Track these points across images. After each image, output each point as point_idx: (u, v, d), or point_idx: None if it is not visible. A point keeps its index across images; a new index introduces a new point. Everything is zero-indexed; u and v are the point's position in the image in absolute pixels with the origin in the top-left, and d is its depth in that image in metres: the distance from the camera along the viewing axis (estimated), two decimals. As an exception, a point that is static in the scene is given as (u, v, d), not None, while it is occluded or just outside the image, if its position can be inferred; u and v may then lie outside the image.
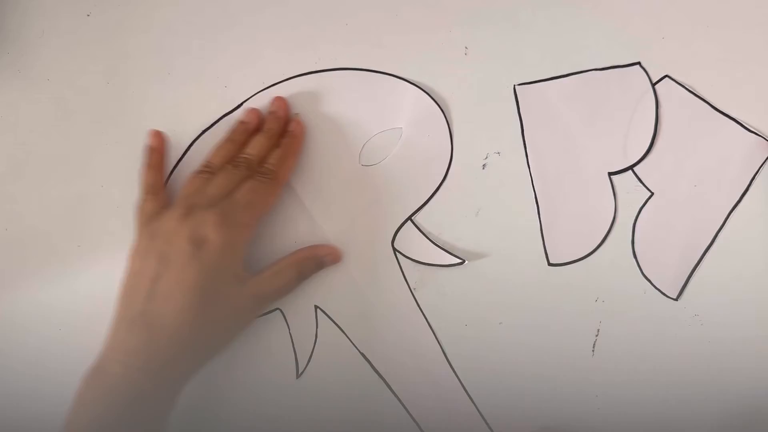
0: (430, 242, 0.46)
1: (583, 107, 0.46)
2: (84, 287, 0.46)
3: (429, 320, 0.46)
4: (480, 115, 0.47)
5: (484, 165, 0.47)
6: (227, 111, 0.47)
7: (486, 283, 0.46)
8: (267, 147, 0.45)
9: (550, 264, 0.46)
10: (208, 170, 0.44)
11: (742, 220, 0.45)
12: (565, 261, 0.46)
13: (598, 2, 0.47)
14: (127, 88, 0.47)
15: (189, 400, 0.44)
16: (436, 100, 0.46)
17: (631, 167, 0.46)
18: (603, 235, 0.46)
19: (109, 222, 0.46)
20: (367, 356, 0.46)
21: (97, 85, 0.47)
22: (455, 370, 0.46)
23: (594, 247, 0.46)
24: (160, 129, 0.46)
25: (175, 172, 0.47)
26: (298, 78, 0.47)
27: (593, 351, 0.46)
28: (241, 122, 0.46)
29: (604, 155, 0.46)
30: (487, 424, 0.45)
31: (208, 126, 0.47)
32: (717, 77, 0.46)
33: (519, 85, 0.47)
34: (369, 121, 0.47)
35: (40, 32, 0.48)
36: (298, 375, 0.46)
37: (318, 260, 0.45)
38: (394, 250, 0.46)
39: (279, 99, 0.46)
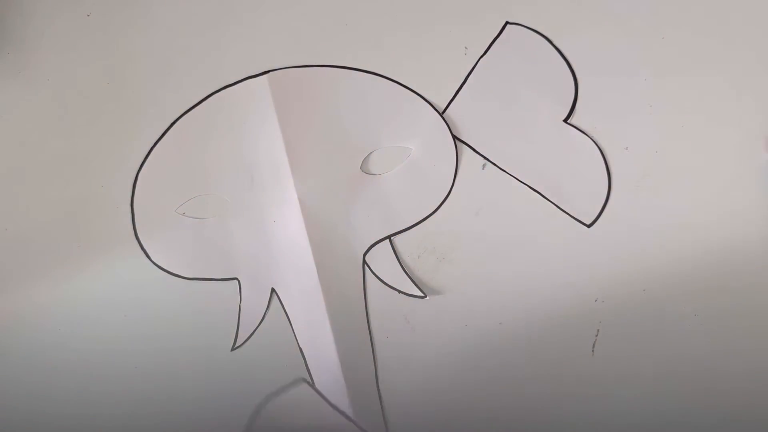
0: (399, 267, 0.46)
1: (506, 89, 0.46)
2: (84, 287, 0.46)
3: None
4: (480, 115, 0.47)
5: (484, 165, 0.47)
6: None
7: (486, 283, 0.46)
8: None
9: (588, 226, 0.46)
10: None
11: (741, 219, 0.45)
12: (596, 215, 0.46)
13: (598, 2, 0.47)
14: (127, 88, 0.47)
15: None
16: (456, 136, 0.46)
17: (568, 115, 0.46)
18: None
19: (109, 222, 0.46)
20: (305, 353, 0.46)
21: (97, 85, 0.47)
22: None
23: (605, 194, 0.46)
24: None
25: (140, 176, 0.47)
26: (316, 68, 0.47)
27: (593, 351, 0.46)
28: None
29: (551, 108, 0.46)
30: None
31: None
32: (716, 77, 0.46)
33: None
34: (379, 131, 0.47)
35: (40, 32, 0.48)
36: (232, 348, 0.46)
37: None
38: (364, 262, 0.46)
39: None
